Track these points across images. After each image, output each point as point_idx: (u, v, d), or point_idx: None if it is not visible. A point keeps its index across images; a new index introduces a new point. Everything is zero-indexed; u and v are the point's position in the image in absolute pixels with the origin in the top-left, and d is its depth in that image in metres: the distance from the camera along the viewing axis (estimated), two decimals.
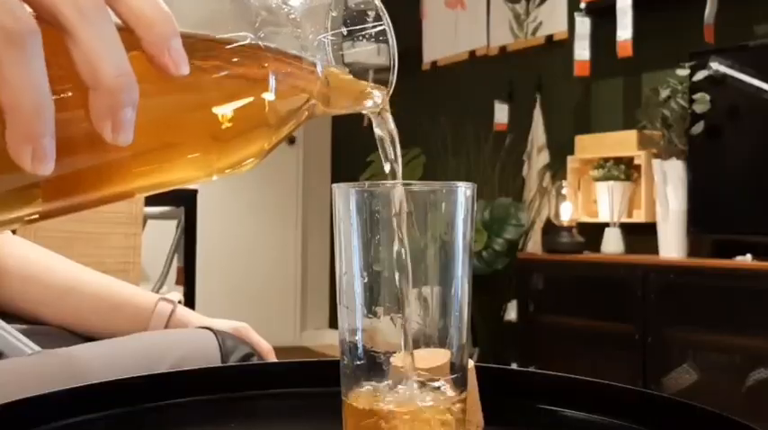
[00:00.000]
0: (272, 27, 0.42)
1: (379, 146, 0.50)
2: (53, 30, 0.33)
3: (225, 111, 0.40)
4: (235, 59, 0.40)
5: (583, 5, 3.43)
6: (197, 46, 0.38)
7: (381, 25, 0.47)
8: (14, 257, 0.97)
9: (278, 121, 0.42)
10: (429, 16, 4.49)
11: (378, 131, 0.50)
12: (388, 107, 0.49)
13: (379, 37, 0.47)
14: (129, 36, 0.34)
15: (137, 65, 0.34)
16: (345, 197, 0.46)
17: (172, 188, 0.42)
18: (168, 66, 0.35)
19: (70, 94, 0.34)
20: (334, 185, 0.46)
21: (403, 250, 0.45)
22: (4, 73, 0.31)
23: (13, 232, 1.03)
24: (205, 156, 0.41)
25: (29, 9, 0.32)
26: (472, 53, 4.22)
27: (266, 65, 0.41)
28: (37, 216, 0.38)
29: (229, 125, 0.40)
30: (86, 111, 0.33)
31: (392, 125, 0.50)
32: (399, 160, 0.50)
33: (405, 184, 0.45)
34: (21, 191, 0.36)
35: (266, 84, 0.41)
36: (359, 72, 0.48)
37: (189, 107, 0.39)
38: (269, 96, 0.41)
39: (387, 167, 0.50)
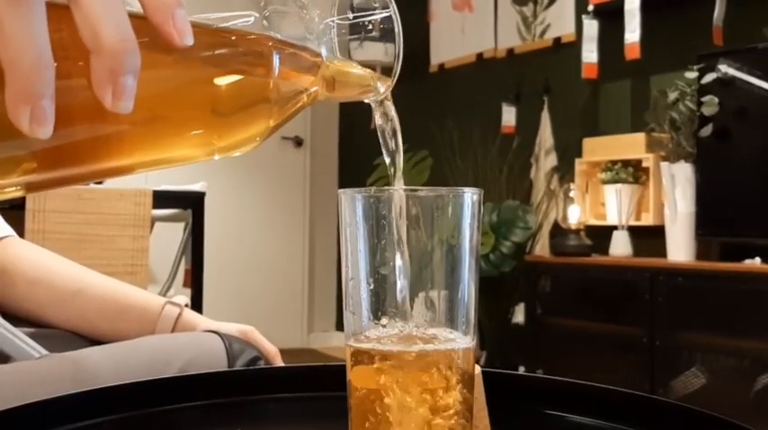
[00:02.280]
0: (278, 8, 0.42)
1: (380, 137, 0.49)
2: None
3: (227, 86, 0.39)
4: (239, 36, 0.40)
5: (590, 7, 3.42)
6: (202, 21, 0.38)
7: (388, 12, 0.47)
8: (21, 260, 0.97)
9: (279, 101, 0.42)
10: (436, 18, 4.49)
11: (378, 121, 0.49)
12: (389, 96, 0.49)
13: (385, 24, 0.47)
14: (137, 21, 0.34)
15: (140, 34, 0.33)
16: (351, 203, 0.46)
17: (173, 165, 0.42)
18: (172, 35, 0.34)
19: (72, 59, 0.33)
20: (341, 191, 0.46)
21: (409, 256, 0.45)
22: (5, 29, 0.30)
23: (21, 236, 1.03)
24: (206, 133, 0.40)
25: None
26: (479, 55, 4.21)
27: (270, 43, 0.41)
28: (34, 183, 0.37)
29: (231, 101, 0.40)
30: (87, 78, 0.33)
31: (393, 112, 0.49)
32: (401, 152, 0.49)
33: (411, 190, 0.45)
34: (17, 157, 0.35)
35: (270, 61, 0.40)
36: (364, 62, 0.48)
37: (191, 80, 0.39)
38: (271, 74, 0.41)
39: (387, 160, 0.49)
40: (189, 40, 0.35)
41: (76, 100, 0.34)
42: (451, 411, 0.46)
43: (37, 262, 0.99)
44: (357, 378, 0.47)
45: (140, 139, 0.39)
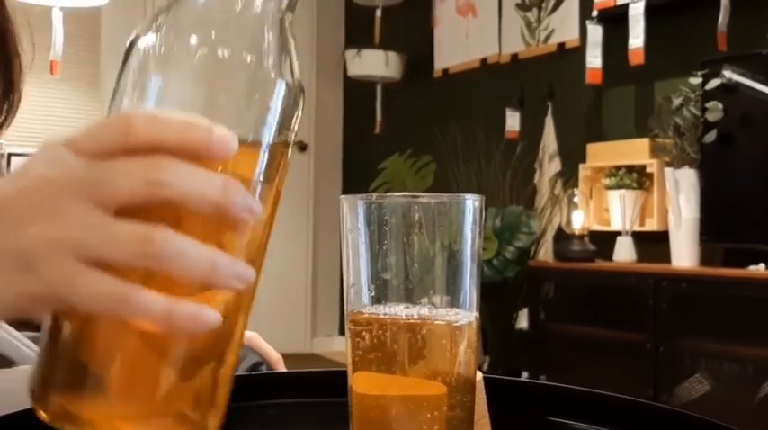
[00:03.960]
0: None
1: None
2: None
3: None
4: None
5: (595, 13, 3.42)
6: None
7: None
8: None
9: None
10: (441, 24, 4.49)
11: None
12: None
13: None
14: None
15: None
16: (353, 208, 0.46)
17: None
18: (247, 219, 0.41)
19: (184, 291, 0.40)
20: (342, 197, 0.46)
21: (411, 261, 0.45)
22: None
23: None
24: None
25: None
26: (484, 60, 4.22)
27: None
28: None
29: None
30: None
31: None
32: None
33: (414, 196, 0.45)
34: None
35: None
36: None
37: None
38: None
39: None
40: (258, 211, 0.41)
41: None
42: (451, 417, 0.46)
43: None
44: (358, 383, 0.47)
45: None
